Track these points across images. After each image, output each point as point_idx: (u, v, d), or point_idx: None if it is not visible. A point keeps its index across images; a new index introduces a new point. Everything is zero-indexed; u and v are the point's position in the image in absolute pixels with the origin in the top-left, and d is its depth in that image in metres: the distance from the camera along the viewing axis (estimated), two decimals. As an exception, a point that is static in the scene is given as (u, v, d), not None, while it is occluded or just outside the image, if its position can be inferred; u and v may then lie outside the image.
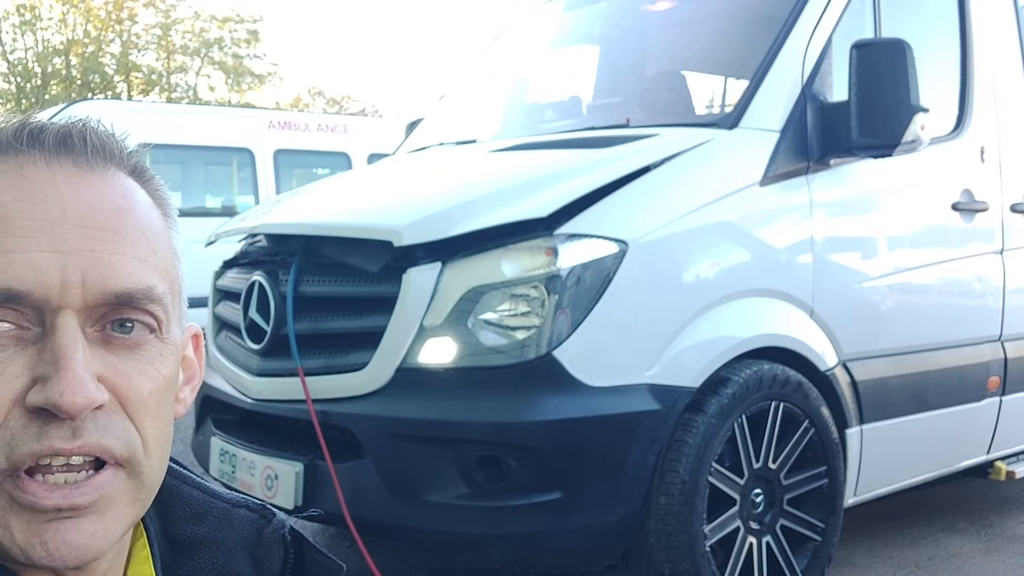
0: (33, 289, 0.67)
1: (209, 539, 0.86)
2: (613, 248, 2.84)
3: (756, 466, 3.07)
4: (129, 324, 0.71)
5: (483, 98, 4.74)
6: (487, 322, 2.82)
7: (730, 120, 3.32)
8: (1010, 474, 4.07)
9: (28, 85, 28.19)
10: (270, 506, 0.91)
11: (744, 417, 3.02)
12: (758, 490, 3.10)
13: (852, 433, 3.36)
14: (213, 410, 3.50)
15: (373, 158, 9.71)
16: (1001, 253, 3.95)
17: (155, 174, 0.78)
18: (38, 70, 28.44)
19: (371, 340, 2.94)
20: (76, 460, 0.67)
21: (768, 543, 3.11)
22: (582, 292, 2.80)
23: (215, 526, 0.87)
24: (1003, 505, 4.60)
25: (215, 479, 3.25)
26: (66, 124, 0.73)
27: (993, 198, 3.91)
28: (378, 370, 2.91)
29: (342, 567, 0.90)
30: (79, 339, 0.68)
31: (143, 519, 0.82)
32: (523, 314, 2.81)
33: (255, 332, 3.25)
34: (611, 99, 4.29)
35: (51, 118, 0.76)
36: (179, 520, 0.86)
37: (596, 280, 2.82)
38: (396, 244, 2.90)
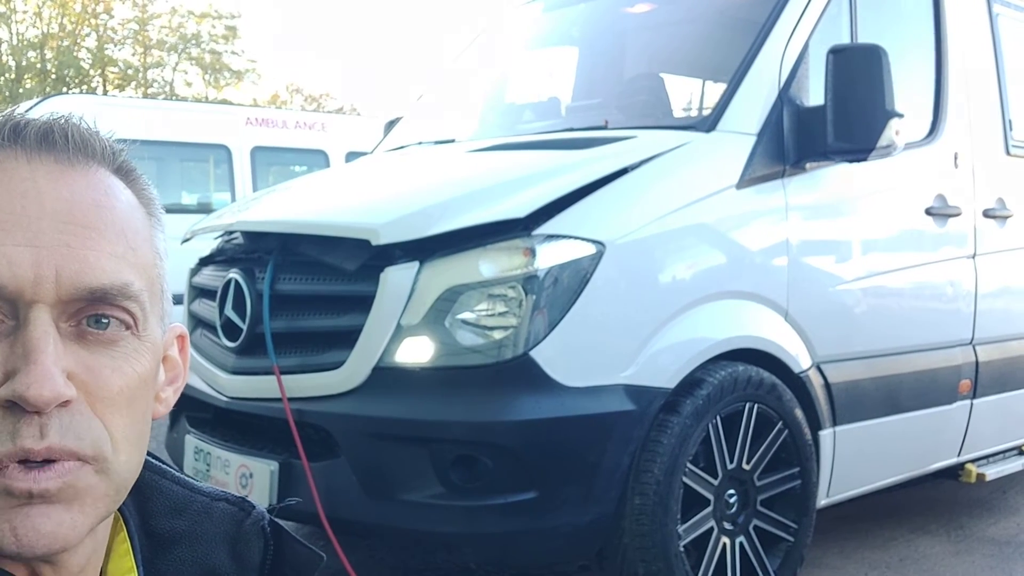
0: (7, 283, 0.67)
1: (189, 533, 0.86)
2: (590, 249, 2.85)
3: (730, 467, 3.09)
4: (104, 320, 0.71)
5: (462, 98, 4.74)
6: (464, 322, 2.82)
7: (708, 123, 3.34)
8: (980, 476, 4.12)
9: (2, 79, 27.90)
10: (249, 499, 0.91)
11: (719, 418, 3.04)
12: (732, 491, 3.12)
13: (825, 435, 3.39)
14: (188, 408, 3.48)
15: (351, 156, 9.67)
16: (973, 258, 3.99)
17: (141, 173, 0.78)
18: (12, 64, 28.16)
19: (348, 339, 2.94)
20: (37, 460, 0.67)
21: (741, 543, 3.13)
22: (559, 293, 2.81)
23: (195, 520, 0.87)
24: (973, 507, 4.65)
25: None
26: (49, 121, 0.73)
27: (966, 203, 3.95)
28: (354, 369, 2.91)
29: (322, 557, 0.91)
30: (50, 333, 0.68)
31: (122, 513, 0.82)
32: (500, 314, 2.81)
33: (231, 330, 3.24)
34: (590, 101, 4.31)
35: (25, 113, 0.75)
36: (158, 514, 0.86)
37: (573, 281, 2.82)
38: (374, 243, 2.90)
